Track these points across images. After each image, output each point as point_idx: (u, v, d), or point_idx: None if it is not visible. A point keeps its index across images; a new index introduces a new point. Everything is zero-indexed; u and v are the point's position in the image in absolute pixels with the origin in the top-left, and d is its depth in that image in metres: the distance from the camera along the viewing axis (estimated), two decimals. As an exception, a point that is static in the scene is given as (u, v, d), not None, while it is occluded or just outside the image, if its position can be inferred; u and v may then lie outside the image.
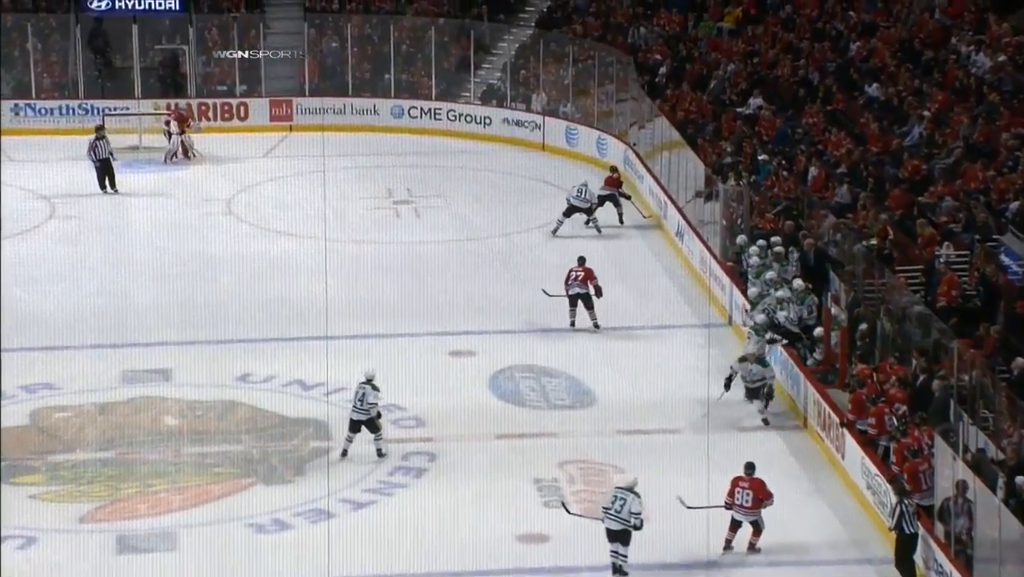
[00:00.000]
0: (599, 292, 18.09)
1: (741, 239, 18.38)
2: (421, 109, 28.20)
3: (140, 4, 27.51)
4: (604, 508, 12.81)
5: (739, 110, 23.45)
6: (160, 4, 27.76)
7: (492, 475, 14.43)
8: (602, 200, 22.39)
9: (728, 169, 20.86)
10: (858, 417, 14.36)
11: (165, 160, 25.57)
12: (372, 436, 14.78)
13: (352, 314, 17.99)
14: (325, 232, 20.11)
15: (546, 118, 26.99)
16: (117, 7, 27.61)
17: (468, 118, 27.71)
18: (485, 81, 28.77)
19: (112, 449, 14.92)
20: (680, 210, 20.98)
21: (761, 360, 15.65)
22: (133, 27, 27.71)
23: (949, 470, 12.53)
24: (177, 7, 27.54)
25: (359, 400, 14.79)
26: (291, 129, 28.05)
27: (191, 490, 14.21)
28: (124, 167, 25.09)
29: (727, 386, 15.63)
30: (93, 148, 24.14)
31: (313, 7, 29.96)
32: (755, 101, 23.38)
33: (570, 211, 21.77)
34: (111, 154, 24.01)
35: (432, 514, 13.74)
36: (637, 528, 12.57)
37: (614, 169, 23.20)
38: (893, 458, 13.59)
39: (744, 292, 17.60)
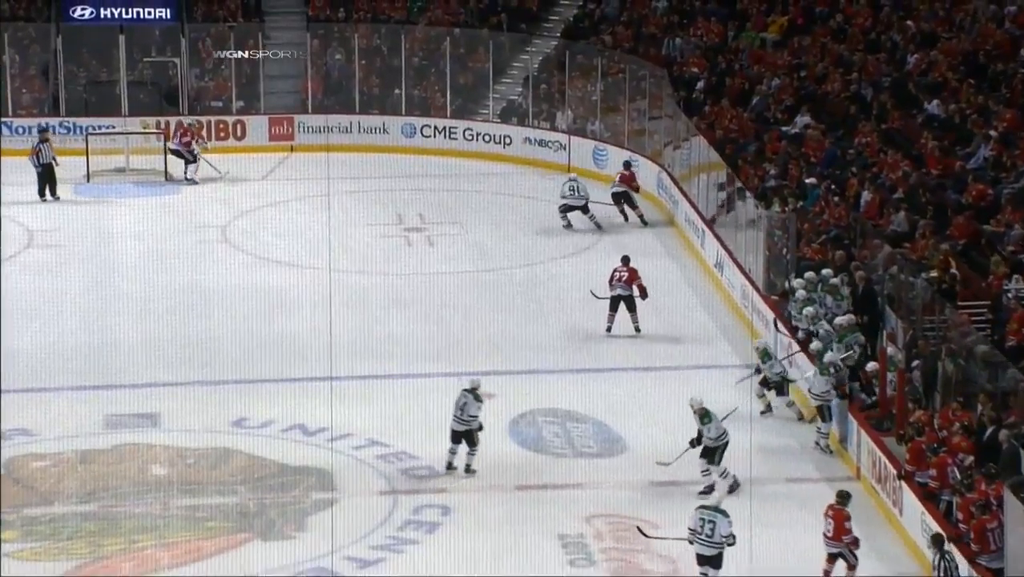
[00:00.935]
0: (644, 294, 18.99)
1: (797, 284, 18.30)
2: (435, 128, 28.35)
3: (128, 12, 27.81)
4: (692, 530, 13.24)
5: (784, 129, 23.50)
6: (149, 12, 28.07)
7: (512, 530, 14.42)
8: (616, 198, 23.46)
9: (772, 194, 20.88)
10: (917, 468, 14.32)
11: (187, 177, 25.83)
12: (467, 450, 15.31)
13: (359, 352, 18.05)
14: (330, 262, 20.19)
15: (572, 137, 27.10)
16: (102, 15, 27.90)
17: (486, 137, 27.85)
18: (505, 97, 28.92)
19: (94, 502, 14.96)
20: (719, 238, 21.02)
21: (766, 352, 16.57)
22: (120, 37, 28.00)
23: (1022, 528, 12.47)
24: (168, 16, 27.85)
25: (459, 409, 15.38)
26: (292, 149, 28.23)
27: (181, 546, 14.23)
28: (110, 191, 25.32)
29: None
30: (36, 153, 24.51)
31: (317, 16, 30.22)
32: (802, 119, 23.43)
33: (566, 209, 22.98)
34: (54, 159, 24.57)
35: (446, 573, 13.72)
36: (731, 545, 13.15)
37: (628, 165, 23.90)
38: (958, 515, 13.52)
39: (790, 329, 17.60)
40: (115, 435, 16.11)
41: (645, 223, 23.34)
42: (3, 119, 27.64)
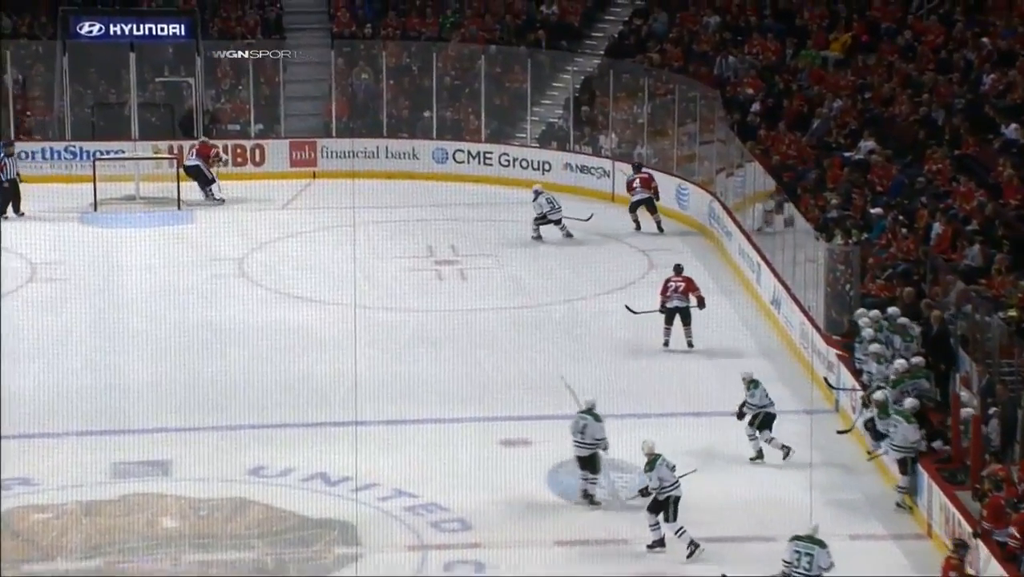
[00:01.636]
0: (702, 304, 19.78)
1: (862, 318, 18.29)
2: (468, 152, 28.48)
3: (139, 29, 28.12)
4: (786, 563, 13.42)
5: (847, 155, 23.47)
6: (162, 29, 28.37)
7: (551, 589, 14.39)
8: (635, 206, 24.48)
9: (834, 225, 20.84)
10: (995, 526, 14.20)
11: (216, 197, 26.36)
12: (587, 476, 15.71)
13: (385, 395, 18.08)
14: (355, 298, 20.25)
15: (616, 163, 27.15)
16: (112, 32, 28.24)
17: (524, 163, 27.94)
18: (544, 120, 29.03)
19: (100, 557, 14.99)
20: (776, 273, 20.98)
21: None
22: (130, 56, 28.28)
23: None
24: (183, 33, 28.14)
25: (579, 433, 15.76)
26: (315, 176, 28.42)
27: (193, 605, 14.28)
28: (119, 220, 25.52)
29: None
30: (2, 167, 25.06)
31: (341, 32, 30.46)
32: (867, 144, 23.39)
33: (544, 222, 24.19)
34: (18, 175, 25.24)
35: (479, 637, 13.71)
36: None
37: (640, 167, 24.82)
38: (1039, 576, 13.42)
39: (854, 372, 17.53)
40: (123, 484, 16.16)
41: (661, 230, 24.62)
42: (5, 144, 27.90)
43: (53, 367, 19.06)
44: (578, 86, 29.02)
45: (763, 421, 16.80)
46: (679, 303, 19.75)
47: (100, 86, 29.44)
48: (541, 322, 21.10)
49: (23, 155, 27.58)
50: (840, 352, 18.26)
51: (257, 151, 28.66)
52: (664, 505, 14.93)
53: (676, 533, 14.85)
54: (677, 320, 19.70)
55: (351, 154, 28.45)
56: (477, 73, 28.84)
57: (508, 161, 28.21)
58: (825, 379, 18.44)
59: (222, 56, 29.45)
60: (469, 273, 23.32)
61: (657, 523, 14.91)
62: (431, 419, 17.81)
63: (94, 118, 29.12)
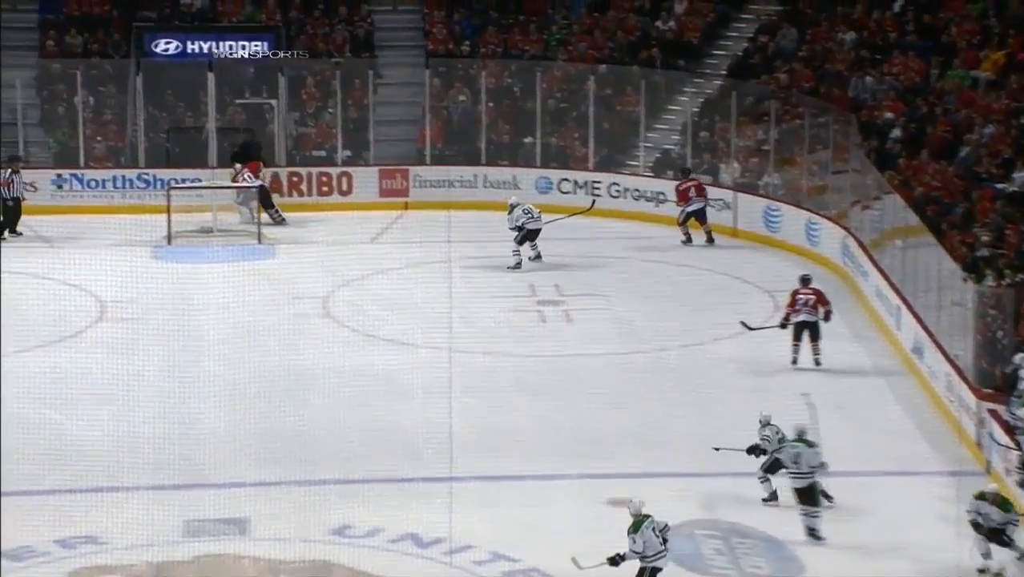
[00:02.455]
0: (828, 317, 20.32)
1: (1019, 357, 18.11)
2: (575, 182, 28.54)
3: (218, 47, 28.55)
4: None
5: (999, 186, 23.22)
6: (243, 47, 28.80)
7: (665, 668, 14.33)
8: (688, 217, 25.36)
9: (984, 265, 20.63)
10: None
11: (274, 218, 26.96)
12: (806, 510, 15.94)
13: (482, 449, 18.11)
14: (450, 341, 20.33)
15: (738, 195, 27.08)
16: (189, 50, 28.72)
17: (636, 194, 27.95)
18: (659, 146, 29.04)
19: (171, 623, 15.19)
20: (919, 318, 20.77)
21: (1003, 503, 15.53)
22: (209, 76, 28.70)
23: None
24: (265, 51, 28.46)
25: (792, 462, 16.03)
26: (407, 207, 28.63)
27: (271, 678, 14.36)
28: (193, 255, 25.85)
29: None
30: (7, 185, 26.00)
31: (437, 50, 30.71)
32: (1021, 175, 23.15)
33: (528, 236, 24.73)
34: (23, 193, 26.36)
35: None
36: None
37: (689, 172, 25.70)
38: None
39: (1008, 429, 17.28)
40: (197, 544, 16.27)
41: (712, 241, 25.65)
42: (75, 171, 28.46)
43: (122, 415, 19.21)
44: (696, 109, 28.99)
45: (773, 465, 16.86)
46: (808, 317, 20.24)
47: (176, 109, 29.90)
48: (653, 369, 21.04)
49: (93, 184, 28.10)
50: (992, 407, 18.01)
51: (344, 180, 28.93)
52: (641, 573, 14.79)
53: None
54: (806, 337, 20.28)
55: (446, 183, 28.62)
56: (585, 95, 28.91)
57: (619, 191, 28.23)
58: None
59: (307, 76, 29.81)
60: (575, 315, 23.33)
61: None
62: (532, 475, 17.80)
63: (168, 144, 29.56)
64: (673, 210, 27.14)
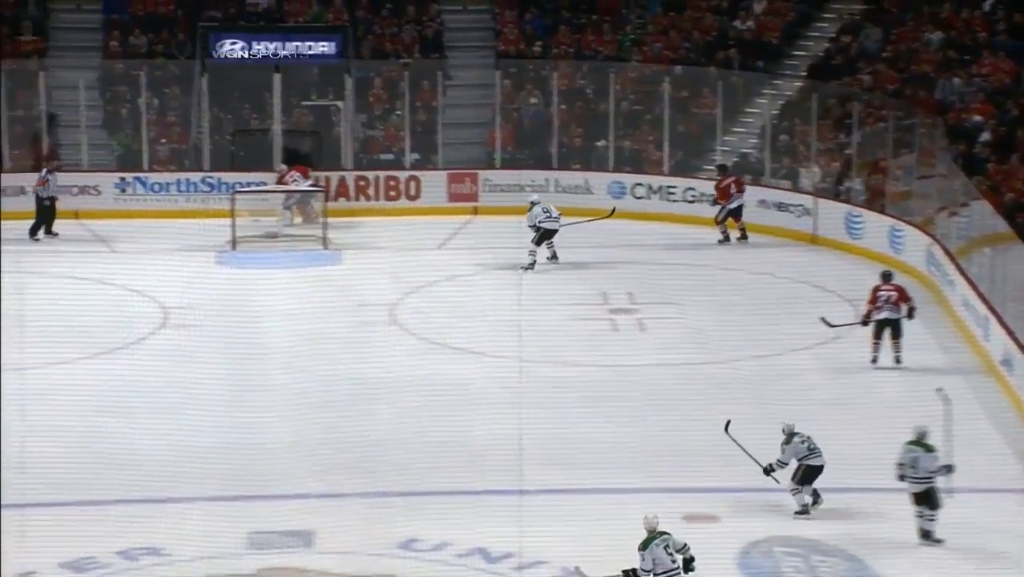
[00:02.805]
0: (912, 314, 20.45)
1: None
2: (649, 186, 28.52)
3: (284, 47, 28.71)
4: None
5: (1092, 191, 23.02)
6: (309, 48, 28.95)
7: None
8: (728, 215, 26.09)
9: (1077, 274, 20.44)
10: None
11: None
12: (922, 512, 15.98)
13: (553, 461, 18.09)
14: (520, 350, 20.35)
15: (819, 200, 26.94)
16: (254, 51, 28.88)
17: (712, 199, 27.86)
18: (736, 150, 28.95)
19: (234, 637, 15.29)
20: (1008, 329, 20.58)
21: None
22: (274, 77, 28.88)
23: None
24: (332, 52, 28.63)
25: (911, 467, 16.04)
26: (476, 212, 28.70)
27: None
28: (257, 261, 26.02)
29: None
30: (44, 183, 26.38)
31: (508, 51, 30.75)
32: (1115, 179, 22.92)
33: (544, 236, 24.84)
34: (58, 193, 26.73)
35: None
36: None
37: (726, 169, 26.02)
38: None
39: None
40: (260, 557, 16.31)
41: (746, 237, 26.21)
42: (138, 175, 28.72)
43: (185, 424, 19.33)
44: (776, 112, 28.88)
45: (804, 475, 16.85)
46: (890, 314, 20.35)
47: (241, 111, 30.11)
48: (727, 380, 20.97)
49: (156, 187, 28.36)
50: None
51: (412, 184, 29.02)
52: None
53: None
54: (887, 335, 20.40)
55: (516, 187, 28.65)
56: (660, 97, 28.87)
57: (694, 196, 28.17)
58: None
59: (375, 77, 29.95)
60: (648, 323, 23.29)
61: None
62: (604, 489, 17.76)
63: (233, 146, 29.77)
64: (750, 215, 27.08)
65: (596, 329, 23.09)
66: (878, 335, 20.77)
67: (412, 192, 28.99)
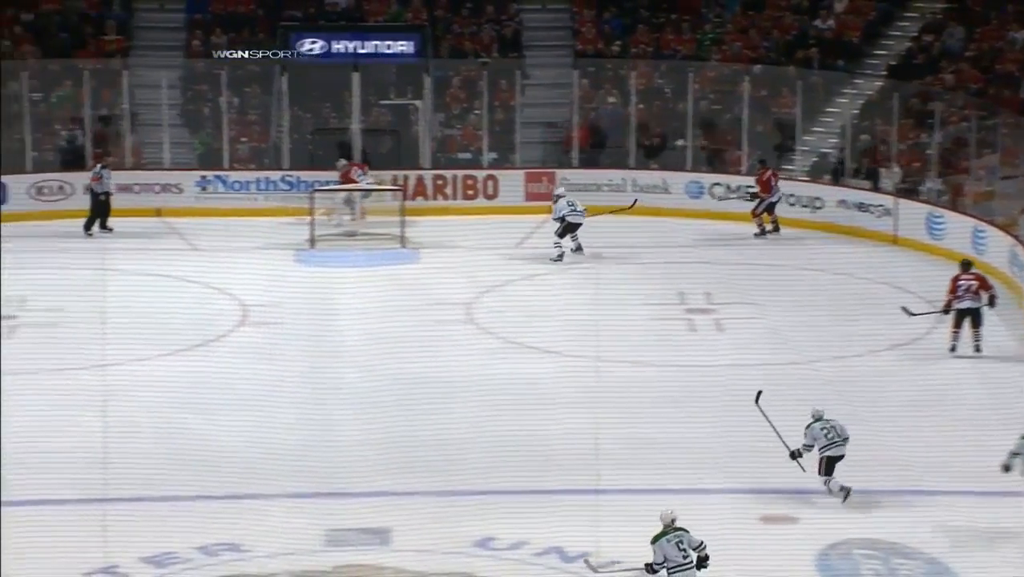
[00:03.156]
0: (993, 302, 20.52)
1: None
2: (727, 186, 28.44)
3: (363, 46, 28.87)
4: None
5: None
6: (388, 47, 29.08)
7: None
8: (767, 208, 26.42)
9: None
10: None
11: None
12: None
13: (629, 461, 18.08)
14: (597, 349, 20.33)
15: (900, 201, 26.75)
16: (334, 50, 29.06)
17: (791, 199, 27.76)
18: (816, 150, 28.82)
19: (312, 633, 15.36)
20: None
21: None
22: (353, 77, 29.03)
23: None
24: (411, 51, 28.75)
25: None
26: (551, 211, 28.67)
27: None
28: (335, 259, 26.17)
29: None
30: (98, 179, 26.70)
31: (586, 51, 30.75)
32: None
33: (568, 228, 25.11)
34: (112, 188, 27.11)
35: None
36: None
37: (763, 161, 26.23)
38: None
39: None
40: (338, 554, 16.38)
41: (778, 229, 26.55)
42: (218, 173, 28.98)
43: (263, 421, 19.47)
44: (856, 111, 28.71)
45: (826, 466, 16.96)
46: (971, 303, 20.36)
47: (320, 110, 30.28)
48: (807, 381, 20.84)
49: (236, 185, 28.59)
50: None
51: (490, 183, 29.08)
52: None
53: None
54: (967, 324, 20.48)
55: (594, 187, 28.66)
56: (739, 97, 28.77)
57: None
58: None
59: (453, 77, 30.04)
60: (726, 324, 23.22)
61: None
62: (681, 489, 17.70)
63: (312, 145, 29.94)
64: (831, 215, 27.00)
65: (673, 329, 23.04)
66: (958, 324, 20.75)
67: (489, 191, 29.05)
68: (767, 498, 17.39)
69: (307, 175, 28.66)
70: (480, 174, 29.16)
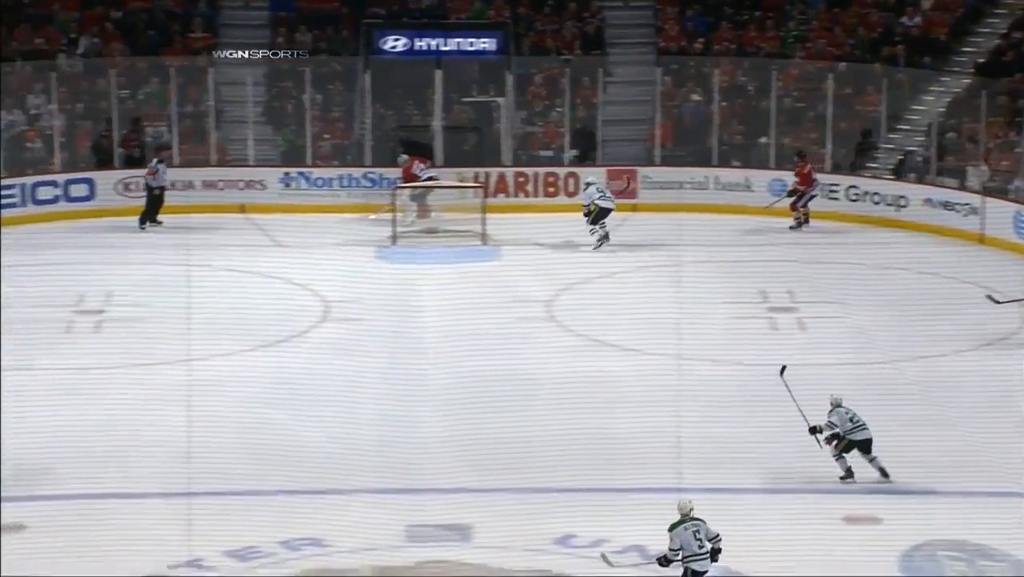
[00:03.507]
0: None
1: None
2: (772, 190, 28.28)
3: (446, 44, 28.95)
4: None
5: None
6: (471, 44, 29.16)
7: None
8: (806, 201, 26.68)
9: None
10: None
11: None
12: None
13: (710, 459, 18.02)
14: (678, 348, 20.28)
15: (987, 199, 26.51)
16: (416, 48, 29.17)
17: (875, 197, 27.59)
18: (901, 148, 28.62)
19: (393, 629, 15.42)
20: None
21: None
22: (436, 74, 29.11)
23: None
24: (493, 48, 28.81)
25: None
26: (634, 209, 28.66)
27: None
28: (417, 256, 26.25)
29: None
30: (154, 173, 27.06)
31: (669, 48, 30.67)
32: None
33: (601, 215, 25.34)
34: (167, 183, 27.53)
35: None
36: None
37: (802, 154, 26.21)
38: None
39: None
40: (419, 550, 16.45)
41: (808, 221, 26.91)
42: (301, 169, 29.17)
43: (345, 417, 19.57)
44: (942, 109, 28.46)
45: (847, 446, 17.30)
46: None
47: (403, 107, 30.39)
48: (891, 381, 20.71)
49: (319, 182, 28.76)
50: None
51: (571, 180, 29.08)
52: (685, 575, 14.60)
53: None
54: None
55: (676, 185, 28.61)
56: (824, 94, 28.60)
57: (857, 195, 27.89)
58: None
59: (535, 74, 30.06)
60: (808, 323, 23.09)
61: None
62: (762, 489, 17.64)
63: (394, 142, 30.06)
64: (915, 214, 26.85)
65: (755, 327, 22.95)
66: None
67: (571, 188, 29.04)
68: (849, 498, 17.30)
69: (390, 172, 28.75)
70: (561, 171, 29.17)
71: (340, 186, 29.10)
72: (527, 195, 29.00)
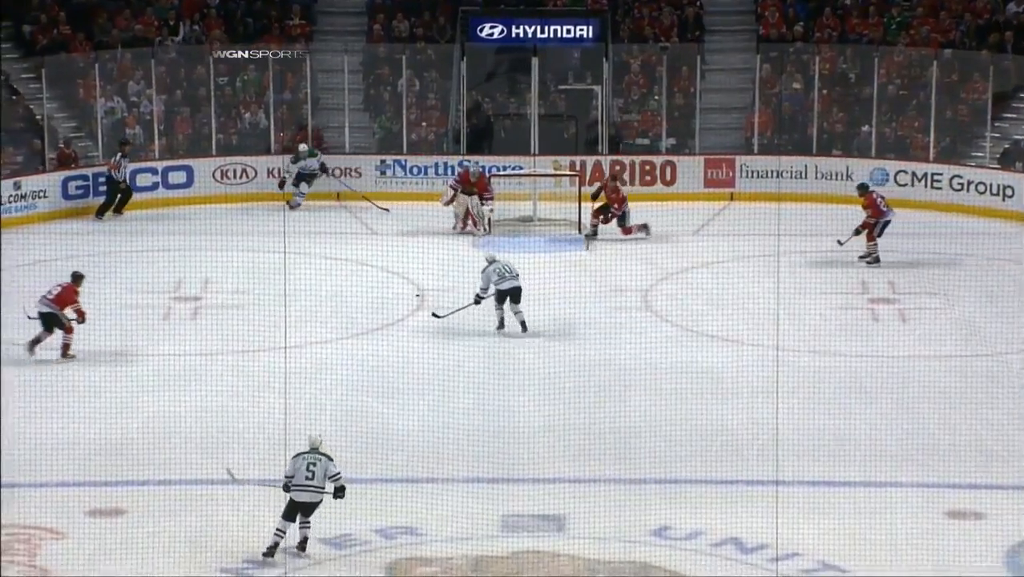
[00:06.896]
0: None
1: None
2: (913, 174, 28.01)
3: (543, 31, 28.91)
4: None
5: None
6: (568, 31, 29.10)
7: None
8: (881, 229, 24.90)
9: None
10: None
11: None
12: None
13: (810, 452, 17.89)
14: (777, 339, 20.15)
15: (1094, 191, 26.16)
16: (513, 35, 29.14)
17: (981, 187, 27.27)
18: (1008, 136, 28.25)
19: (489, 618, 15.43)
20: None
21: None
22: (532, 61, 29.09)
23: None
24: (590, 35, 28.73)
25: None
26: (732, 198, 28.51)
27: None
28: (512, 244, 26.25)
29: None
30: (117, 167, 27.42)
31: (769, 35, 30.45)
32: None
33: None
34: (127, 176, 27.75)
35: None
36: None
37: (865, 188, 25.19)
38: None
39: None
40: (514, 539, 16.46)
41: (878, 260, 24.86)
42: (397, 157, 29.25)
43: (442, 405, 19.64)
44: (1050, 97, 28.12)
45: (499, 297, 18.57)
46: None
47: (499, 95, 30.39)
48: (996, 373, 20.47)
49: (415, 170, 28.83)
50: None
51: (668, 169, 28.97)
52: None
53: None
54: None
55: (775, 174, 28.39)
56: (927, 82, 28.30)
57: (961, 184, 27.57)
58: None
59: (632, 62, 29.96)
60: (910, 314, 22.87)
61: None
62: (863, 482, 17.50)
63: (494, 130, 30.10)
64: (1021, 204, 26.46)
65: (856, 318, 22.76)
66: None
67: (668, 178, 28.94)
68: (953, 493, 17.11)
69: (486, 159, 28.73)
70: (658, 160, 29.06)
71: (436, 174, 29.13)
72: (623, 183, 28.86)
